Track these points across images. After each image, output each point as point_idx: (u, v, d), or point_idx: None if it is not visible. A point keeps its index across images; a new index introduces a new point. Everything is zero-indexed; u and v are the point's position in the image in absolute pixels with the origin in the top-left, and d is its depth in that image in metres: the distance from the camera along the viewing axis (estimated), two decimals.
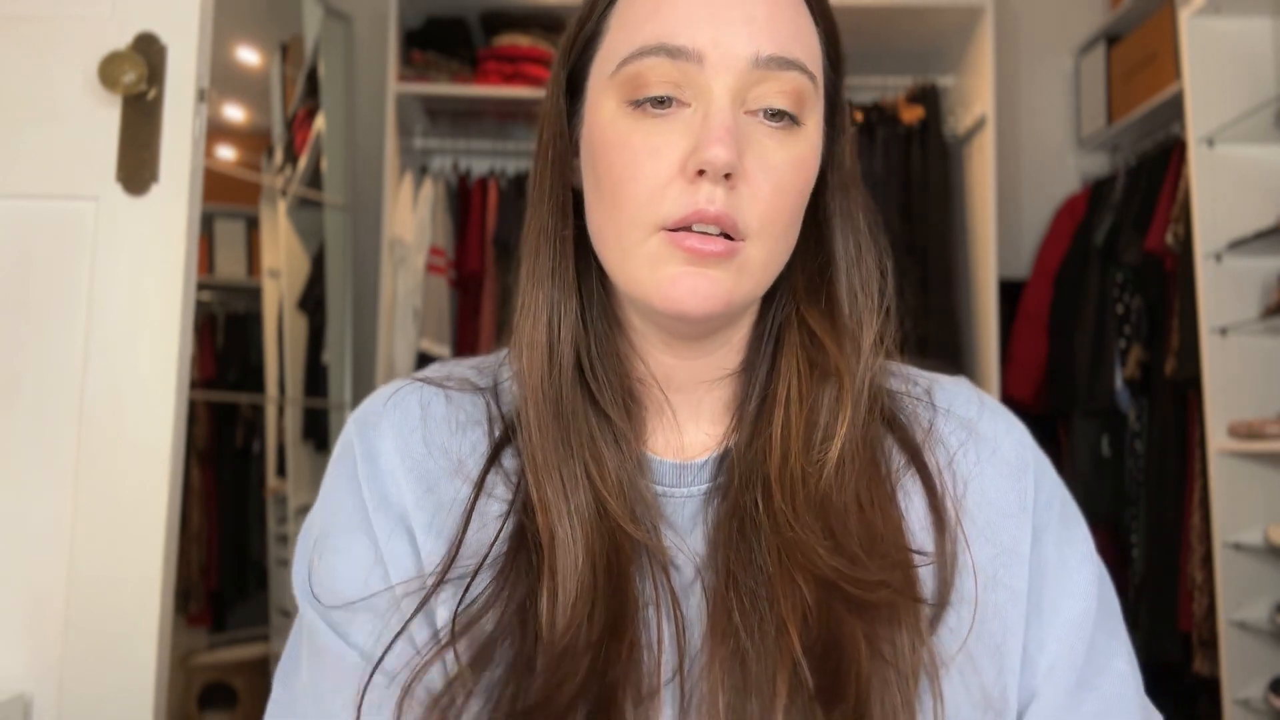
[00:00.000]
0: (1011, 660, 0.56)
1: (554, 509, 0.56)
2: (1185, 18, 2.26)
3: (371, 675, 0.55)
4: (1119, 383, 2.58)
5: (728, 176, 0.54)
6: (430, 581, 0.56)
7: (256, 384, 3.03)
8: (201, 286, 2.79)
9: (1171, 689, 2.45)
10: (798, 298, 0.63)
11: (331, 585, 0.59)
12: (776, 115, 0.56)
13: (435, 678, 0.54)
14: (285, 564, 2.85)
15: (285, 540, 2.88)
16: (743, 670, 0.52)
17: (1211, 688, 2.24)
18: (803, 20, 0.58)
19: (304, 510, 2.80)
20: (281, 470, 2.90)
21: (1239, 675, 2.13)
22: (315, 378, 2.91)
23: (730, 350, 0.63)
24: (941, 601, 0.55)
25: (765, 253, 0.56)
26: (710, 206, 0.53)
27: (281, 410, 2.92)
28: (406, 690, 0.53)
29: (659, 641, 0.54)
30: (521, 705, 0.51)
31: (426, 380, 0.65)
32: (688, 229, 0.54)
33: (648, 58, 0.55)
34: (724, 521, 0.58)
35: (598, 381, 0.60)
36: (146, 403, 1.17)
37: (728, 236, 0.55)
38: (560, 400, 0.59)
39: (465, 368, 0.67)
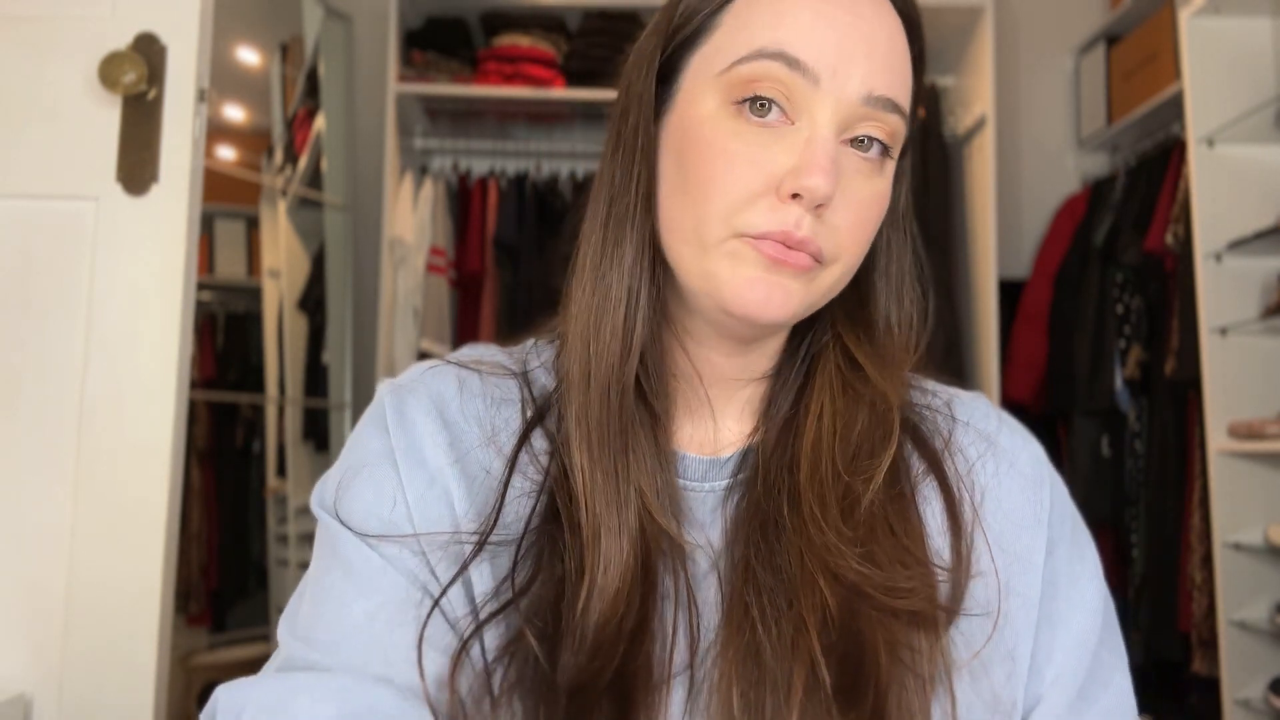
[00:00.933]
0: (1020, 666, 0.57)
1: (603, 495, 0.57)
2: (1185, 18, 2.26)
3: (430, 613, 0.54)
4: (1119, 383, 2.58)
5: (819, 205, 0.54)
6: (471, 541, 0.56)
7: (256, 384, 3.03)
8: (201, 286, 2.79)
9: (1171, 689, 2.45)
10: (837, 323, 0.64)
11: (359, 512, 0.58)
12: (869, 148, 0.57)
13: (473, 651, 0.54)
14: (285, 564, 2.85)
15: (285, 540, 2.88)
16: (758, 664, 0.53)
17: (1211, 688, 2.24)
18: (907, 66, 0.59)
19: (304, 510, 2.80)
20: (281, 470, 2.90)
21: (1239, 675, 2.13)
22: (315, 378, 2.91)
23: (764, 355, 0.64)
24: (958, 606, 0.56)
25: (835, 278, 0.58)
26: (798, 231, 0.54)
27: (281, 410, 2.92)
28: (462, 650, 0.53)
29: (672, 633, 0.55)
30: (561, 677, 0.52)
31: (461, 362, 0.66)
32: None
33: (765, 61, 0.55)
34: (745, 520, 0.59)
35: (646, 373, 0.61)
36: (146, 402, 1.17)
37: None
38: (624, 389, 0.59)
39: (496, 353, 0.68)
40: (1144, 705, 0.61)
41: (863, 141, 0.56)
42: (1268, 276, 2.22)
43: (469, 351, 0.68)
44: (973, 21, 2.75)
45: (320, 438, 2.90)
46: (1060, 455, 2.81)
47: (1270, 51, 2.26)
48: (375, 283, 2.77)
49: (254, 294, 3.05)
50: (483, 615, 0.54)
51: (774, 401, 0.64)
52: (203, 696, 2.64)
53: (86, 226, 1.18)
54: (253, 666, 0.68)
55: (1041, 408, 2.81)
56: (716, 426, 0.64)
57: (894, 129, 0.57)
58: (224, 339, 3.12)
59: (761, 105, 0.55)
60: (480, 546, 0.56)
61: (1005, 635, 0.57)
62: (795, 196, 0.54)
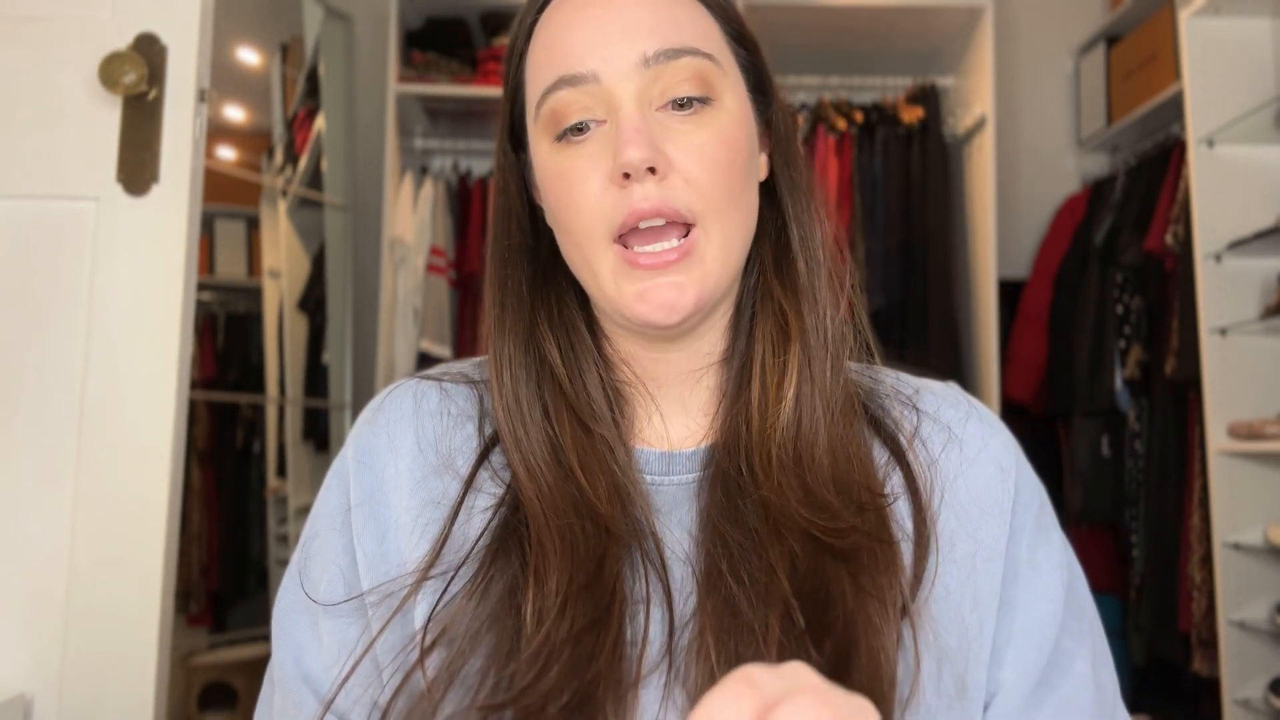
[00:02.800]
0: (982, 652, 0.58)
1: (536, 507, 0.58)
2: (1185, 18, 2.26)
3: (323, 713, 0.58)
4: (1119, 383, 2.58)
5: (653, 171, 0.56)
6: (410, 584, 0.58)
7: (257, 384, 3.03)
8: (202, 287, 2.79)
9: (1171, 689, 2.45)
10: (766, 270, 0.65)
11: (312, 588, 0.62)
12: (684, 104, 0.59)
13: (415, 675, 0.55)
14: (285, 564, 2.85)
15: (285, 540, 2.88)
16: (734, 616, 0.54)
17: (1211, 688, 2.24)
18: (688, 12, 0.61)
19: (304, 510, 2.80)
20: (282, 470, 2.90)
21: (1239, 675, 2.13)
22: (315, 378, 2.91)
23: (714, 334, 0.65)
24: (915, 592, 0.57)
25: (719, 233, 0.59)
26: (645, 203, 0.56)
27: (282, 410, 2.92)
28: (387, 709, 0.55)
29: (644, 636, 0.56)
30: (499, 697, 0.52)
31: (424, 376, 0.68)
32: (635, 229, 0.57)
33: (554, 93, 0.59)
34: (712, 492, 0.60)
35: (579, 399, 0.63)
36: (147, 403, 1.17)
37: (681, 229, 0.57)
38: (521, 409, 0.62)
39: (468, 364, 0.70)
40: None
41: (683, 104, 0.59)
42: (1267, 277, 2.22)
43: (442, 367, 0.70)
44: (973, 22, 2.75)
45: (320, 438, 2.90)
46: (1060, 455, 2.81)
47: (1270, 52, 2.26)
48: (375, 283, 2.77)
49: (254, 294, 3.05)
50: (411, 663, 0.55)
51: (729, 382, 0.65)
52: (203, 696, 2.64)
53: (87, 227, 1.18)
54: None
55: (1041, 408, 2.81)
56: (668, 424, 0.65)
57: (696, 71, 0.59)
58: (224, 339, 3.12)
59: (577, 129, 0.59)
60: (417, 586, 0.58)
61: (969, 623, 0.58)
62: (628, 176, 0.56)
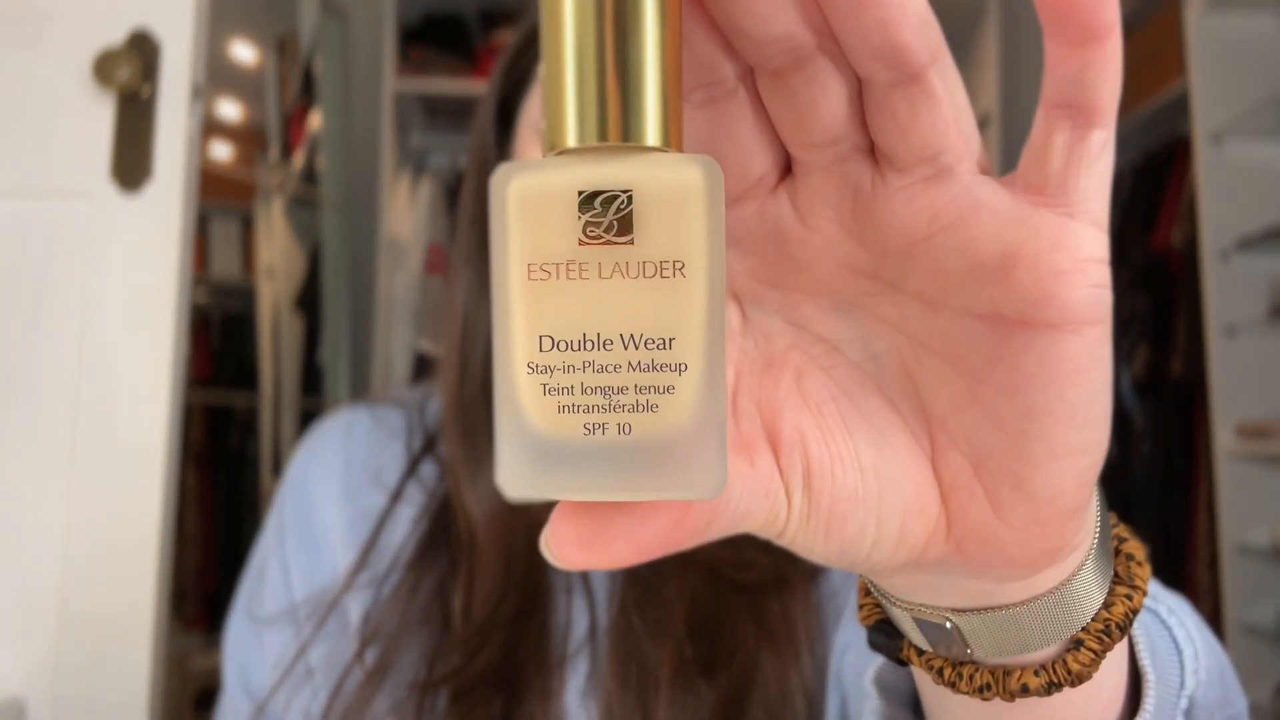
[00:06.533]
0: None
1: (472, 511, 0.61)
2: (1190, 15, 2.25)
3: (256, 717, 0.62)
4: (1125, 383, 2.57)
5: None
6: (338, 591, 0.62)
7: (252, 384, 3.01)
8: (196, 285, 2.77)
9: None
10: None
11: (260, 608, 0.67)
12: None
13: (347, 677, 0.59)
14: None
15: None
16: (635, 646, 0.56)
17: None
18: None
19: None
20: (277, 471, 2.87)
21: (1245, 679, 2.08)
22: (312, 377, 2.89)
23: None
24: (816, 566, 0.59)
25: None
26: None
27: (277, 410, 2.90)
28: (326, 710, 0.58)
29: (568, 620, 0.59)
30: (433, 678, 0.55)
31: (358, 404, 0.72)
32: None
33: None
34: None
35: None
36: (141, 403, 1.16)
37: None
38: (467, 411, 0.63)
39: (402, 390, 0.74)
40: None
41: None
42: (1275, 275, 2.21)
43: (379, 396, 0.74)
44: (977, 18, 2.73)
45: None
46: None
47: (1277, 48, 2.24)
48: (372, 281, 2.76)
49: (249, 293, 3.03)
50: (340, 659, 0.58)
51: None
52: (198, 700, 2.62)
53: (80, 225, 1.17)
54: None
55: None
56: None
57: None
58: (219, 338, 3.10)
59: None
60: (344, 592, 0.61)
61: None
62: None
